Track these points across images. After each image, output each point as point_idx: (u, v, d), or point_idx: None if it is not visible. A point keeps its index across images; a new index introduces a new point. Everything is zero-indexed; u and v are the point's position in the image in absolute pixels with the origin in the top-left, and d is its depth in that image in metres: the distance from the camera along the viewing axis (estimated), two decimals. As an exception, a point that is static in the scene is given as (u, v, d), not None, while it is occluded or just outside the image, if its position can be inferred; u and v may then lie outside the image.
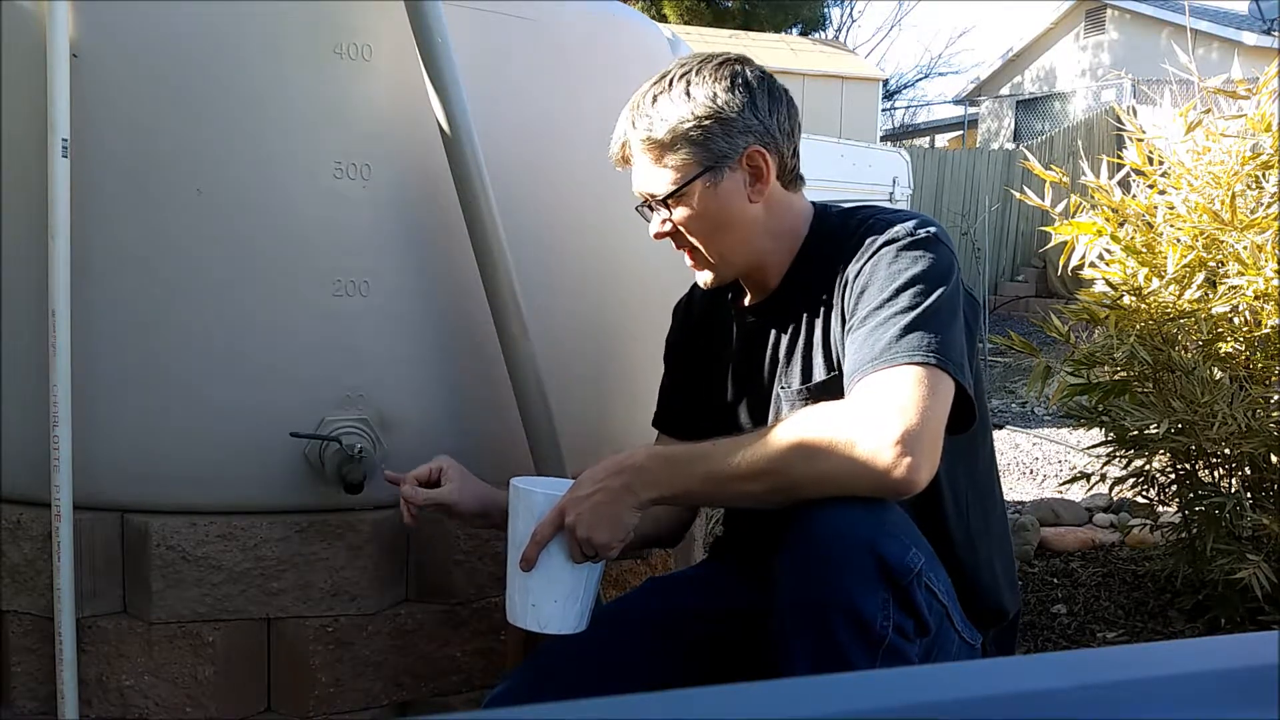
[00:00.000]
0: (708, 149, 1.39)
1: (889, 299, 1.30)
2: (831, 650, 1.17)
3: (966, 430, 1.32)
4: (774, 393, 1.50)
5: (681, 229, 1.43)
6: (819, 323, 1.43)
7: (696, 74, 1.40)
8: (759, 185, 1.42)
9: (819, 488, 1.21)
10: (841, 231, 1.44)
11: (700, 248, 1.44)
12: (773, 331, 1.50)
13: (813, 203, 1.52)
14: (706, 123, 1.38)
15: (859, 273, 1.36)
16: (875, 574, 1.18)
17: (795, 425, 1.24)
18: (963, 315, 1.35)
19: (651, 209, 1.46)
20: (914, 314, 1.27)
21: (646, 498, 1.29)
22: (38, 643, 1.63)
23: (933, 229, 1.37)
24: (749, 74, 1.42)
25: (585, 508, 1.28)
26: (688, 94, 1.39)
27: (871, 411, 1.22)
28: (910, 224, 1.37)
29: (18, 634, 1.65)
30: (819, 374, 1.43)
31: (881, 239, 1.36)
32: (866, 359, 1.27)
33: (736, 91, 1.39)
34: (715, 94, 1.39)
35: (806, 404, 1.40)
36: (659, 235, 1.47)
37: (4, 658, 1.67)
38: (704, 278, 1.49)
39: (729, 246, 1.44)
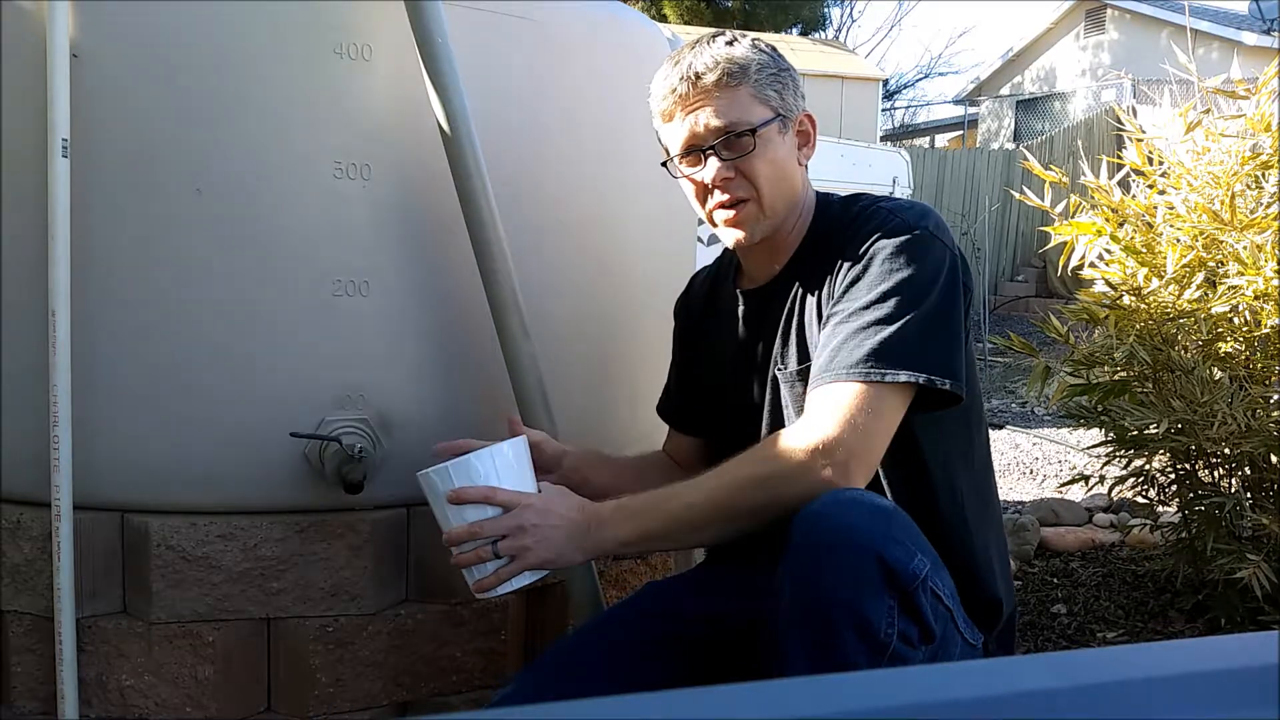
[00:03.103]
0: (783, 99, 1.44)
1: (875, 301, 1.33)
2: (835, 656, 1.17)
3: (954, 406, 1.36)
4: (771, 374, 1.51)
5: (746, 173, 1.42)
6: (812, 306, 1.45)
7: (753, 41, 1.46)
8: (805, 150, 1.49)
9: (768, 506, 1.30)
10: (842, 217, 1.46)
11: (759, 194, 1.43)
12: (772, 313, 1.51)
13: (816, 192, 1.55)
14: (783, 74, 1.45)
15: (852, 263, 1.38)
16: (880, 580, 1.18)
17: (742, 459, 1.33)
18: (960, 307, 1.38)
19: (710, 152, 1.42)
20: (890, 329, 1.31)
21: (605, 536, 1.34)
22: (38, 643, 1.63)
23: (929, 225, 1.39)
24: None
25: (541, 534, 1.32)
26: (757, 48, 1.44)
27: (806, 431, 1.31)
28: (909, 218, 1.39)
29: (18, 634, 1.65)
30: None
31: (880, 232, 1.38)
32: (824, 367, 1.34)
33: (787, 62, 1.48)
34: (780, 56, 1.47)
35: (805, 385, 1.43)
36: (718, 179, 1.42)
37: (4, 658, 1.67)
38: (735, 235, 1.46)
39: (781, 200, 1.46)
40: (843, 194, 1.55)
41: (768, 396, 1.52)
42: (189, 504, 1.63)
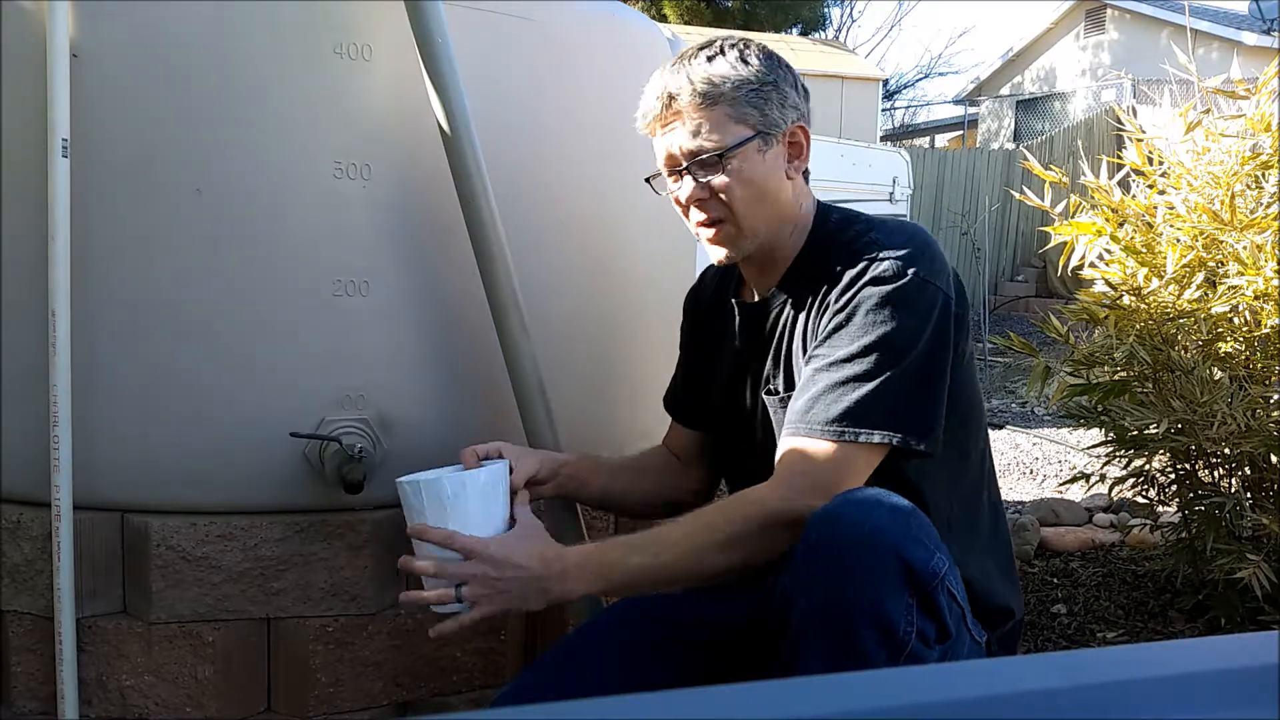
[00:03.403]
0: (764, 114, 1.41)
1: (855, 355, 1.32)
2: (854, 656, 1.17)
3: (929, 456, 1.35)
4: (760, 394, 1.51)
5: (721, 194, 1.40)
6: (800, 334, 1.44)
7: (745, 48, 1.43)
8: (796, 162, 1.45)
9: (738, 568, 1.34)
10: (839, 238, 1.44)
11: (734, 216, 1.41)
12: (765, 331, 1.50)
13: (817, 201, 1.53)
14: (766, 89, 1.41)
15: (839, 306, 1.36)
16: (901, 579, 1.18)
17: (712, 516, 1.36)
18: (948, 353, 1.36)
19: (686, 172, 1.42)
20: (868, 387, 1.31)
21: (568, 590, 1.36)
22: (38, 642, 1.63)
23: (919, 269, 1.34)
24: (784, 59, 1.47)
25: (495, 586, 1.34)
26: (743, 60, 1.41)
27: (775, 494, 1.33)
28: (900, 260, 1.35)
29: (18, 634, 1.65)
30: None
31: (868, 275, 1.35)
32: (800, 416, 1.34)
33: (783, 69, 1.44)
34: (770, 66, 1.42)
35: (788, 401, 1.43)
36: (692, 199, 1.42)
37: (4, 658, 1.67)
38: (719, 254, 1.46)
39: (761, 219, 1.43)
40: (841, 206, 1.52)
41: (759, 412, 1.52)
42: (189, 504, 1.63)
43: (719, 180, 1.40)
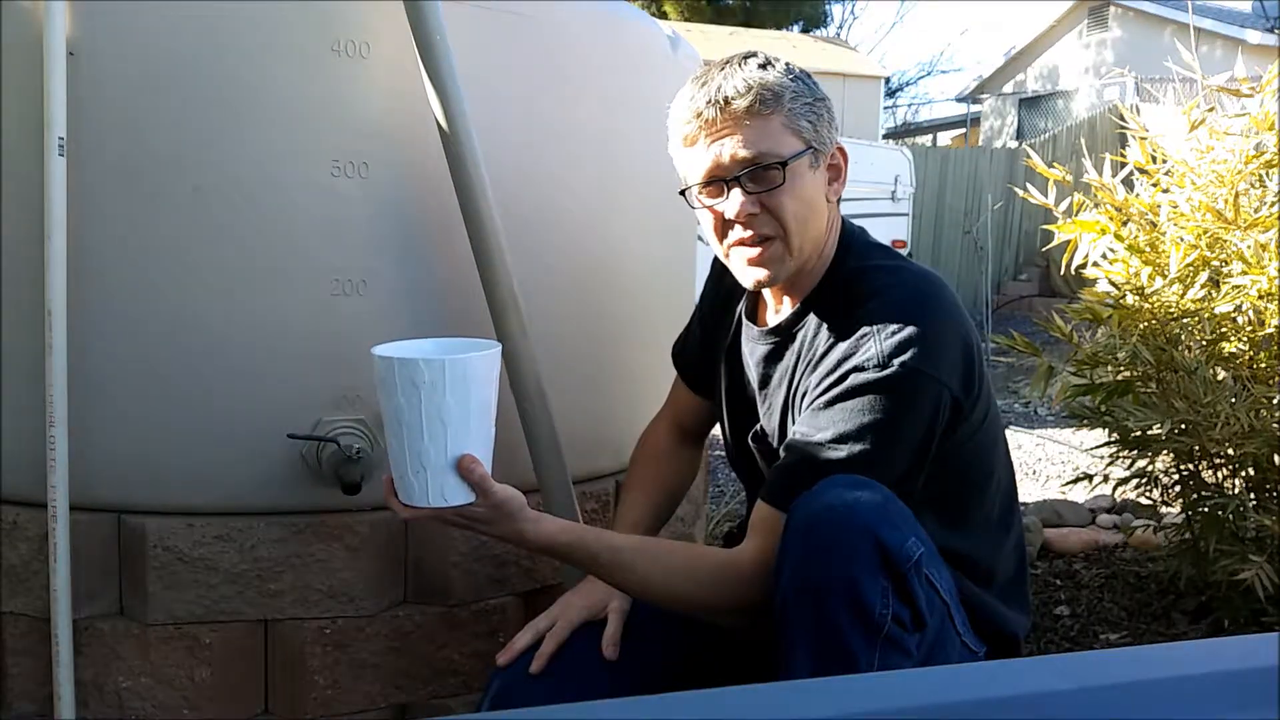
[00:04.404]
0: (816, 130, 1.35)
1: (832, 440, 1.30)
2: (831, 637, 1.18)
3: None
4: (756, 426, 1.51)
5: (772, 209, 1.32)
6: (798, 383, 1.41)
7: (788, 64, 1.37)
8: (835, 185, 1.40)
9: (704, 615, 1.40)
10: (847, 293, 1.38)
11: (786, 234, 1.34)
12: (767, 363, 1.48)
13: (843, 221, 1.46)
14: (819, 105, 1.36)
15: (825, 385, 1.33)
16: (876, 560, 1.18)
17: (681, 570, 1.37)
18: (934, 433, 1.32)
19: (735, 184, 1.33)
20: (837, 470, 1.28)
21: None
22: (34, 644, 1.63)
23: (909, 357, 1.28)
24: None
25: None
26: (790, 74, 1.35)
27: (745, 563, 1.34)
28: (892, 345, 1.29)
29: (14, 636, 1.64)
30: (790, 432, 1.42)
31: (854, 360, 1.30)
32: (778, 485, 1.34)
33: (822, 91, 1.40)
34: (816, 85, 1.39)
35: (776, 453, 1.42)
36: (743, 214, 1.33)
37: (1, 660, 1.66)
38: (757, 275, 1.37)
39: (807, 241, 1.36)
40: (859, 232, 1.46)
41: (751, 442, 1.52)
42: (186, 505, 1.62)
43: (772, 192, 1.32)
